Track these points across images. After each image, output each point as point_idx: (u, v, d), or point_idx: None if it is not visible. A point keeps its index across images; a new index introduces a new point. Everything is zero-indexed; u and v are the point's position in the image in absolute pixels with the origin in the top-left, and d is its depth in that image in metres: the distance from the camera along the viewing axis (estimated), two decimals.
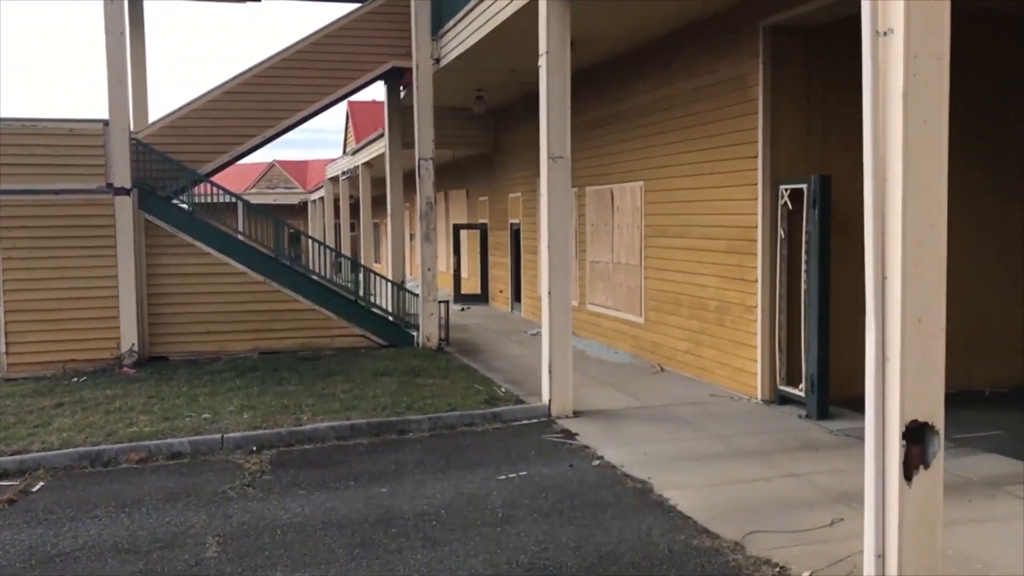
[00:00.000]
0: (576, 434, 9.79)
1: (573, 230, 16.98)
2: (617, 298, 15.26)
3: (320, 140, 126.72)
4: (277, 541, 6.70)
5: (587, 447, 9.26)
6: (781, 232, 10.80)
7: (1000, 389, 11.61)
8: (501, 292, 22.50)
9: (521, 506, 7.38)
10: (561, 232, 10.51)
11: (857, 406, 11.02)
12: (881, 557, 4.76)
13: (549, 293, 10.37)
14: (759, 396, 11.08)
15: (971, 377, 11.66)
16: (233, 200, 15.89)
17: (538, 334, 17.91)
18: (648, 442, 9.40)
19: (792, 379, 10.84)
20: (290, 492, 7.94)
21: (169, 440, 9.48)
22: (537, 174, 19.76)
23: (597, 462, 8.70)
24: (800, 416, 10.35)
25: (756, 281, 11.06)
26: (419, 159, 15.83)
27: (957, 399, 11.39)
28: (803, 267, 10.43)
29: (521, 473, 8.35)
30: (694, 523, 6.88)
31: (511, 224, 21.37)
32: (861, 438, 9.24)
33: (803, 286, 10.43)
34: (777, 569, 5.97)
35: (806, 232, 10.36)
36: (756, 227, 11.03)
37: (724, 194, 11.73)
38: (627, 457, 8.82)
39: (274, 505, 7.57)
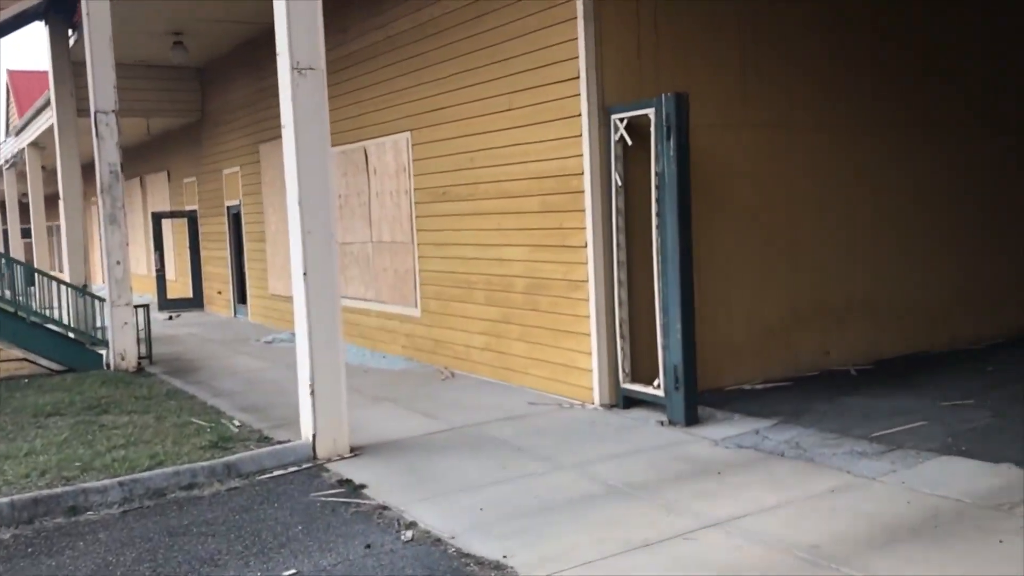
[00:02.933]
0: (363, 485, 6.38)
1: (335, 186, 13.41)
2: (381, 288, 11.91)
3: None
4: None
5: (386, 507, 5.89)
6: (617, 178, 8.03)
7: (862, 366, 9.67)
8: (220, 294, 18.26)
9: None
10: (319, 182, 6.98)
11: (726, 402, 8.28)
12: None
13: (306, 275, 6.84)
14: (597, 400, 8.26)
15: (828, 355, 9.61)
16: None
17: (275, 341, 14.16)
18: (477, 487, 6.21)
19: (641, 374, 8.12)
20: None
21: None
22: (263, 139, 15.99)
23: (409, 534, 5.38)
24: (661, 423, 7.64)
25: (585, 247, 8.21)
26: (96, 112, 11.49)
27: (820, 381, 9.55)
28: (653, 223, 7.71)
29: None
30: None
31: (228, 208, 17.24)
32: (763, 450, 6.58)
33: (654, 249, 7.72)
34: None
35: (656, 175, 7.65)
36: (582, 174, 8.18)
37: (531, 135, 8.79)
38: (455, 518, 5.58)
39: None
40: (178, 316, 18.09)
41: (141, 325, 12.34)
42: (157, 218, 20.37)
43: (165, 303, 19.25)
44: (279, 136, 7.40)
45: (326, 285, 6.97)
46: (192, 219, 19.14)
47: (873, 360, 9.87)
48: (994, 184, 10.91)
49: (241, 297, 17.18)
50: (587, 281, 8.23)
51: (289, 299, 14.81)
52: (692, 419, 7.53)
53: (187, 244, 19.46)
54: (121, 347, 11.76)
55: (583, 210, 8.20)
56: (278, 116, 7.31)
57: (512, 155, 9.11)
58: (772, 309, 9.21)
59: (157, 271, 19.98)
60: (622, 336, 8.11)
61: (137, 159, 23.19)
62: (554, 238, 8.62)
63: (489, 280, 9.67)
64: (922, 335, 10.28)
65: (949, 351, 10.35)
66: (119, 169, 11.67)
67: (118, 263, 11.72)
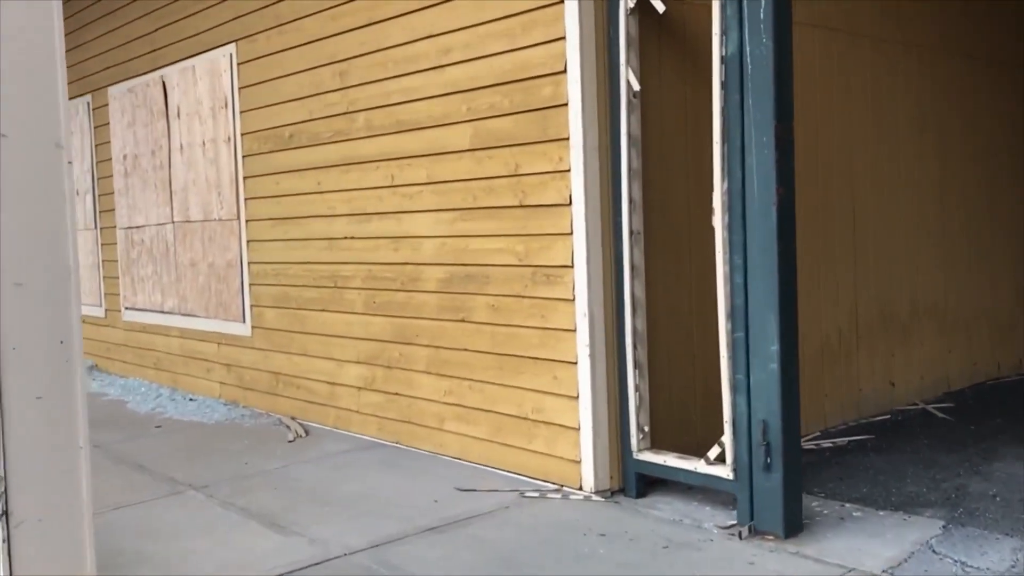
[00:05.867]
0: None
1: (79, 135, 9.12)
2: (188, 292, 7.72)
3: None
4: None
5: None
6: (630, 78, 4.41)
7: (939, 403, 6.48)
8: None
9: None
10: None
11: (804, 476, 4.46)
12: None
13: None
14: (588, 482, 4.56)
15: (894, 387, 6.39)
16: None
17: None
18: None
19: (668, 436, 4.53)
20: None
21: None
22: None
23: None
24: (731, 533, 4.04)
25: (568, 205, 4.54)
26: None
27: (904, 428, 5.81)
28: (717, 154, 4.13)
29: None
30: None
31: None
32: None
33: (719, 204, 4.12)
34: None
35: (721, 63, 4.05)
36: (563, 72, 4.50)
37: (458, 15, 5.04)
38: None
39: None
40: None
41: None
42: None
43: None
44: None
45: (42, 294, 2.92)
46: None
47: (942, 392, 6.73)
48: None
49: None
50: (570, 267, 4.55)
51: None
52: (794, 524, 3.99)
53: None
54: None
55: (564, 139, 4.53)
56: None
57: (418, 56, 5.31)
58: (829, 319, 5.86)
59: None
60: (635, 366, 4.48)
61: None
62: (503, 194, 4.89)
63: (373, 273, 5.80)
64: (988, 354, 7.26)
65: (1018, 376, 7.41)
66: None
67: None
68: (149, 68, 7.95)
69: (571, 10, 4.42)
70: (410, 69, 5.39)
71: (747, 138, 3.95)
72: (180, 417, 6.89)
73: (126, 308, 8.63)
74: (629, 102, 4.42)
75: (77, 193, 9.30)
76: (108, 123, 8.63)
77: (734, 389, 4.08)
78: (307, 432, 6.18)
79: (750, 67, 3.92)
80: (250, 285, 6.94)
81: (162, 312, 8.06)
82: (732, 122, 4.02)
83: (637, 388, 4.47)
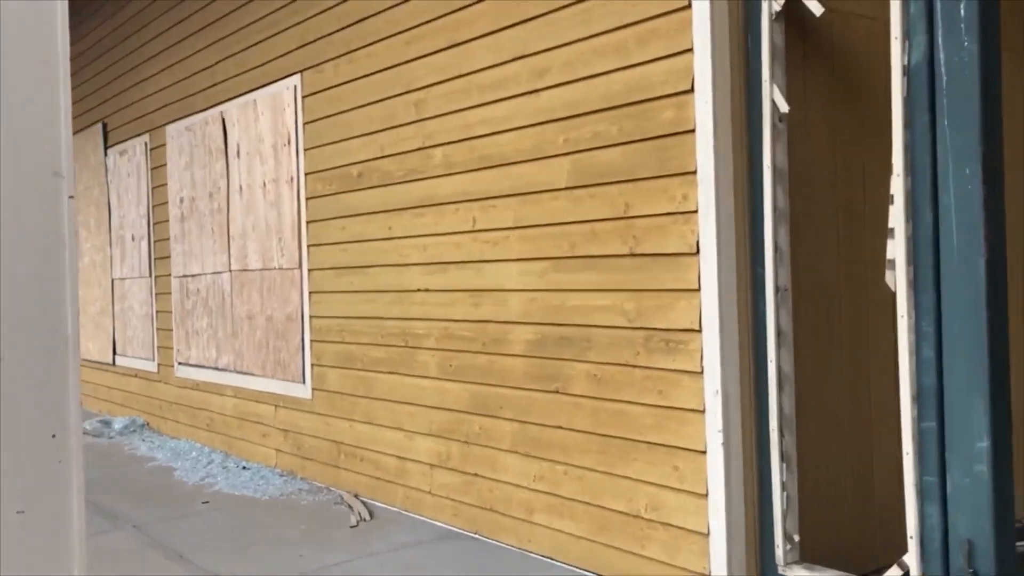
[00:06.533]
0: None
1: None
2: (245, 348, 7.02)
3: None
4: None
5: None
6: (776, 98, 3.56)
7: None
8: None
9: None
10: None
11: None
12: None
13: None
14: None
15: None
16: None
17: None
18: None
19: (819, 543, 3.58)
20: None
21: None
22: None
23: None
24: None
25: (695, 255, 3.67)
26: None
27: None
28: (900, 188, 3.23)
29: None
30: None
31: None
32: None
33: (902, 250, 3.21)
34: None
35: (903, 73, 3.18)
36: (690, 92, 3.66)
37: (555, 30, 4.26)
38: None
39: None
40: None
41: None
42: None
43: None
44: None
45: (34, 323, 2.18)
46: None
47: None
48: None
49: None
50: (697, 331, 3.67)
51: (106, 366, 9.69)
52: None
53: None
54: None
55: (690, 173, 3.68)
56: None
57: (506, 80, 4.54)
58: None
59: None
60: (782, 459, 3.56)
61: None
62: (609, 240, 4.05)
63: (449, 331, 4.99)
64: None
65: None
66: None
67: None
68: (209, 104, 7.38)
69: (700, 16, 3.59)
70: (496, 96, 4.62)
71: (941, 169, 3.05)
72: (231, 490, 6.12)
73: (179, 363, 7.98)
74: (774, 126, 3.56)
75: (132, 239, 8.74)
76: (165, 164, 8.08)
77: (922, 495, 3.13)
78: (372, 514, 5.35)
79: (945, 78, 3.03)
80: (311, 342, 6.20)
81: (216, 369, 7.38)
82: (919, 149, 3.12)
83: (784, 486, 3.54)
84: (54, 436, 1.59)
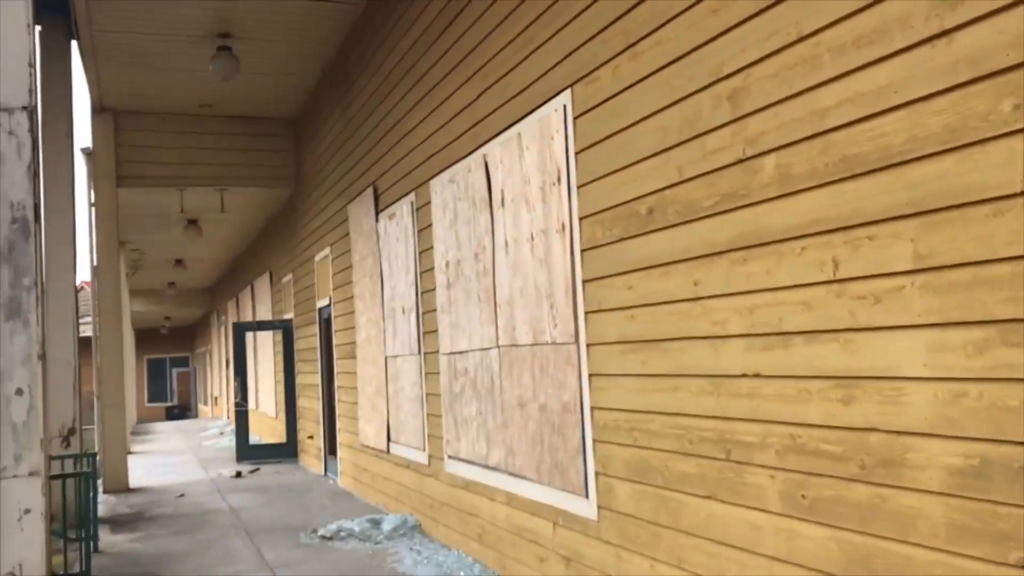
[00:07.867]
0: None
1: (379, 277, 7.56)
2: (516, 442, 5.59)
3: None
4: None
5: None
6: None
7: None
8: (311, 439, 12.45)
9: None
10: None
11: None
12: None
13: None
14: None
15: None
16: None
17: (337, 536, 7.69)
18: None
19: None
20: None
21: None
22: (351, 196, 10.22)
23: None
24: None
25: None
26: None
27: None
28: None
29: None
30: None
31: (320, 310, 11.61)
32: None
33: None
34: None
35: None
36: None
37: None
38: None
39: None
40: (254, 471, 12.38)
41: (69, 504, 6.63)
42: (240, 331, 15.02)
43: (245, 451, 13.60)
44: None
45: None
46: (287, 330, 13.68)
47: None
48: None
49: (332, 445, 11.30)
50: None
51: (381, 454, 8.78)
52: None
53: (282, 366, 14.03)
54: (16, 556, 5.96)
55: None
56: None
57: (886, 26, 2.72)
58: None
59: (236, 404, 14.49)
60: None
61: (249, 259, 18.56)
62: None
63: (799, 441, 3.15)
64: None
65: None
66: (31, 214, 6.14)
67: (19, 392, 6.06)
68: (471, 148, 6.17)
69: None
70: (868, 57, 2.82)
71: None
72: None
73: (448, 457, 6.74)
74: None
75: (403, 311, 7.75)
76: (431, 224, 7.00)
77: None
78: None
79: None
80: (594, 442, 4.60)
81: (487, 468, 6.00)
82: None
83: None
84: None
